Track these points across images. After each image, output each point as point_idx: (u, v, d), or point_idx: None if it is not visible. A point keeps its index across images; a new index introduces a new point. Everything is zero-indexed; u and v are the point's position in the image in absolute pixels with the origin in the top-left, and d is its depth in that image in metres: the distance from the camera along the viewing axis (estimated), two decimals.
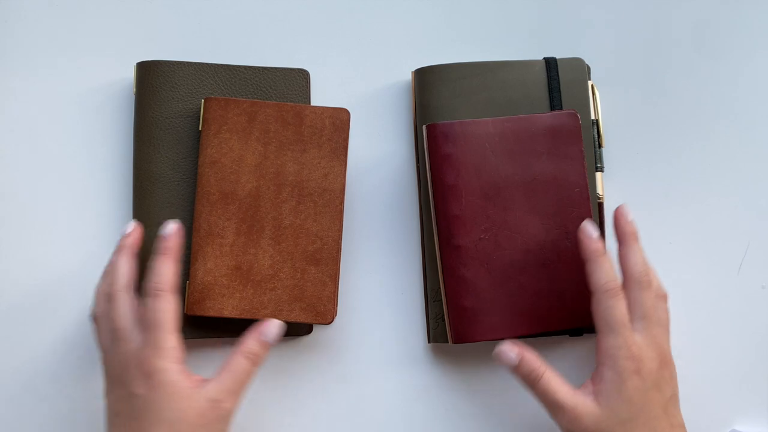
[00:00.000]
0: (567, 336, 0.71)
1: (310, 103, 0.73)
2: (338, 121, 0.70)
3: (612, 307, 0.62)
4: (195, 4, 0.75)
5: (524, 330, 0.67)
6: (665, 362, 0.64)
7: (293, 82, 0.73)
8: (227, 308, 0.67)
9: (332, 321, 0.68)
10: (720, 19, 0.76)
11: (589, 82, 0.72)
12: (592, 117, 0.72)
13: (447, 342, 0.70)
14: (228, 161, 0.69)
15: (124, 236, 0.66)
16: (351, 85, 0.75)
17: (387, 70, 0.75)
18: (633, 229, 0.66)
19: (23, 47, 0.74)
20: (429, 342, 0.72)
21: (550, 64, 0.72)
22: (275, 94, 0.72)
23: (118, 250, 0.65)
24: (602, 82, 0.74)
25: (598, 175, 0.72)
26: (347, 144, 0.70)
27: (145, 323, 0.61)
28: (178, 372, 0.60)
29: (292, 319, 0.68)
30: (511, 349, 0.65)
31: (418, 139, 0.72)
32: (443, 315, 0.70)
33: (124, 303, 0.62)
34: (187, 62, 0.71)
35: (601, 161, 0.72)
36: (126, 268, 0.64)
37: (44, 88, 0.73)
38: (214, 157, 0.69)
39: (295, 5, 0.75)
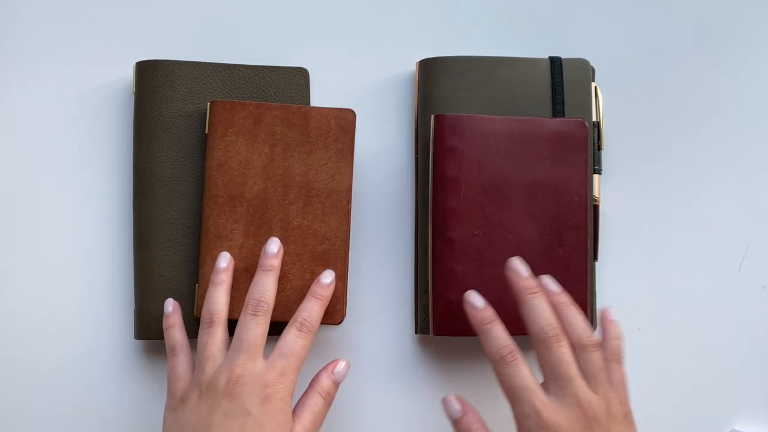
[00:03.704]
0: None
1: (309, 101, 0.73)
2: (344, 121, 0.69)
3: (510, 374, 0.60)
4: (195, 4, 0.74)
5: None
6: (594, 419, 0.59)
7: (293, 81, 0.72)
8: (237, 310, 0.67)
9: (342, 321, 0.69)
10: (721, 22, 0.77)
11: (593, 84, 0.72)
12: (594, 119, 0.71)
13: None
14: (235, 164, 0.68)
15: (271, 256, 0.66)
16: (351, 82, 0.74)
17: (388, 66, 0.75)
18: (525, 285, 0.63)
19: (23, 47, 0.72)
20: (416, 333, 0.71)
21: (555, 63, 0.72)
22: (275, 93, 0.72)
23: (265, 270, 0.65)
24: (604, 82, 0.74)
25: (596, 177, 0.71)
26: (353, 145, 0.69)
27: (282, 349, 0.62)
28: (290, 405, 0.62)
29: None
30: (455, 402, 0.63)
31: (419, 129, 0.72)
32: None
33: (265, 323, 0.63)
34: (187, 62, 0.70)
35: (599, 164, 0.72)
36: (274, 289, 0.65)
37: (44, 88, 0.72)
38: (221, 160, 0.68)
39: (295, 2, 0.75)
